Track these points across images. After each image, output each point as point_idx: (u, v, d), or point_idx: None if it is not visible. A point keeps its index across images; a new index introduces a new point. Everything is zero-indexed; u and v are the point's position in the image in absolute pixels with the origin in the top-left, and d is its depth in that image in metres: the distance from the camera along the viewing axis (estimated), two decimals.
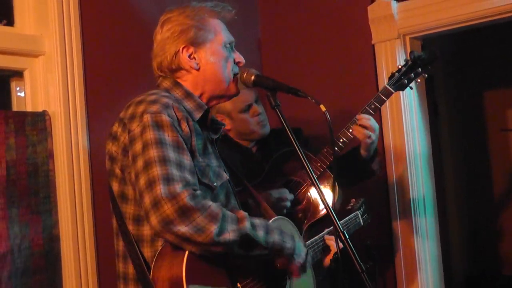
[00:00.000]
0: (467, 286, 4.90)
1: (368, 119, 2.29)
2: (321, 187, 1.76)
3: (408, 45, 3.07)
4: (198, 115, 1.77)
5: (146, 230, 1.67)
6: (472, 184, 5.14)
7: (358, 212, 2.34)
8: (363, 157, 2.39)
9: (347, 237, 1.64)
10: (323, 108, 1.69)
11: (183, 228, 1.49)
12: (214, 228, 1.50)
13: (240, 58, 1.88)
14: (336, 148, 2.28)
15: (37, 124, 2.28)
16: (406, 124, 3.05)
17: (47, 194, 2.29)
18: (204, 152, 1.75)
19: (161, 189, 1.51)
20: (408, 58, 2.39)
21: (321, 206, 2.31)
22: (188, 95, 1.79)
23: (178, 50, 1.79)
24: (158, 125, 1.60)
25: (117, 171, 1.70)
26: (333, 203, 2.17)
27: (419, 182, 3.08)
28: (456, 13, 2.89)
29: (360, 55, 3.19)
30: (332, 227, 2.03)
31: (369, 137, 2.29)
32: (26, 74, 2.39)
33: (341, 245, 1.67)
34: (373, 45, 3.13)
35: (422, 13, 2.98)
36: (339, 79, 3.25)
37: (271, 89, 1.80)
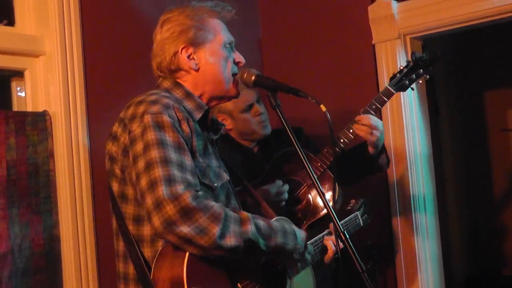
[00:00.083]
0: (467, 286, 4.90)
1: (368, 118, 2.29)
2: (321, 187, 1.75)
3: (409, 45, 3.07)
4: (198, 115, 1.76)
5: (146, 230, 1.67)
6: (472, 184, 5.14)
7: (357, 212, 2.34)
8: (371, 153, 2.39)
9: (348, 237, 1.64)
10: (323, 108, 1.69)
11: (185, 229, 1.48)
12: (216, 230, 1.50)
13: (240, 58, 1.87)
14: (336, 149, 2.29)
15: (38, 124, 2.28)
16: (406, 124, 3.05)
17: (47, 194, 2.29)
18: (205, 153, 1.74)
19: (163, 190, 1.50)
20: (410, 59, 2.40)
21: (321, 206, 2.31)
22: (188, 95, 1.79)
23: (177, 51, 1.78)
24: (159, 126, 1.60)
25: (117, 171, 1.70)
26: (333, 204, 2.17)
27: (420, 182, 3.08)
28: (457, 13, 2.89)
29: (360, 55, 3.19)
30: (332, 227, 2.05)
31: (372, 134, 2.29)
32: (27, 74, 2.39)
33: (341, 245, 1.67)
34: (374, 45, 3.13)
35: (423, 13, 2.98)
36: (339, 79, 3.25)
37: (271, 89, 1.80)
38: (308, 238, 2.01)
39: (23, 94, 2.41)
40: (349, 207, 2.36)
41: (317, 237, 2.04)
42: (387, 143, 3.04)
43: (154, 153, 1.56)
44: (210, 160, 1.76)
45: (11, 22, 2.38)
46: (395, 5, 3.04)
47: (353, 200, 2.40)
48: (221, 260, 1.60)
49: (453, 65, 4.95)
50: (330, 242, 2.01)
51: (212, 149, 1.82)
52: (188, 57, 1.79)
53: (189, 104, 1.77)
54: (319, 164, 2.29)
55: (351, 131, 2.31)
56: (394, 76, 2.39)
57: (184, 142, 1.63)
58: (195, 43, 1.79)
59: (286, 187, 2.30)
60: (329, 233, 2.06)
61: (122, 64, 2.62)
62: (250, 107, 2.49)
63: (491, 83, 5.04)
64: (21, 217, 2.18)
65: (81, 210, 2.38)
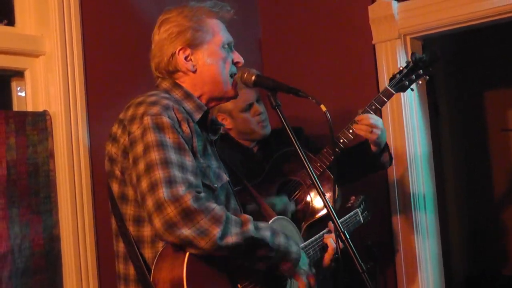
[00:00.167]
0: (467, 286, 4.90)
1: (367, 117, 2.29)
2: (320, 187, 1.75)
3: (409, 45, 3.08)
4: (198, 116, 1.76)
5: (147, 231, 1.66)
6: (472, 184, 5.14)
7: (358, 209, 2.34)
8: (373, 151, 2.39)
9: (348, 237, 1.64)
10: (323, 108, 1.69)
11: (186, 231, 1.48)
12: (217, 232, 1.50)
13: (239, 58, 1.86)
14: (336, 149, 2.29)
15: (38, 124, 2.28)
16: (406, 124, 3.05)
17: (47, 194, 2.29)
18: (204, 153, 1.74)
19: (163, 192, 1.50)
20: (410, 59, 2.40)
21: (320, 206, 2.31)
22: (187, 96, 1.78)
23: (175, 52, 1.78)
24: (158, 127, 1.60)
25: (117, 172, 1.70)
26: (333, 204, 2.17)
27: (420, 182, 3.08)
28: (457, 13, 2.89)
29: (360, 55, 3.19)
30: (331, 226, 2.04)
31: (372, 132, 2.29)
32: (27, 74, 2.39)
33: (341, 245, 1.67)
34: (374, 45, 3.13)
35: (423, 13, 2.98)
36: (339, 79, 3.25)
37: (271, 89, 1.79)
38: (307, 238, 2.01)
39: (23, 94, 2.41)
40: (349, 204, 2.36)
41: (317, 236, 2.04)
42: (388, 142, 3.05)
43: (154, 155, 1.56)
44: (209, 161, 1.76)
45: (11, 22, 2.38)
46: (395, 5, 3.04)
47: (353, 197, 2.40)
48: (221, 261, 1.60)
49: (453, 65, 4.94)
50: (330, 240, 2.01)
51: (211, 150, 1.82)
52: (186, 58, 1.78)
53: (188, 105, 1.76)
54: (318, 164, 2.29)
55: (350, 131, 2.31)
56: (393, 76, 2.40)
57: (185, 143, 1.62)
58: (193, 44, 1.78)
59: (292, 207, 2.30)
60: (329, 231, 2.06)
61: (122, 64, 2.62)
62: (249, 106, 2.49)
63: (491, 83, 5.04)
64: (21, 217, 2.18)
65: (81, 210, 2.38)
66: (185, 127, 1.66)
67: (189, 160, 1.60)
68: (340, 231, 1.64)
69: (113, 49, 2.61)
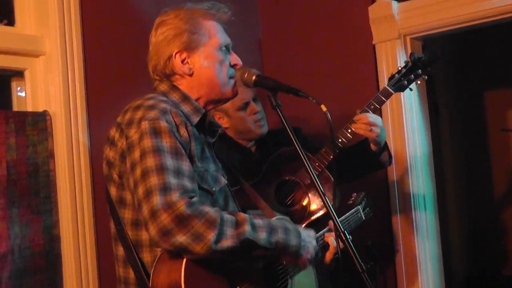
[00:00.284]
0: (467, 286, 4.90)
1: (366, 116, 2.29)
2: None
3: (409, 45, 3.08)
4: (196, 119, 1.75)
5: (145, 235, 1.65)
6: (472, 184, 5.14)
7: (359, 206, 2.33)
8: (373, 151, 2.39)
9: (348, 237, 1.64)
10: (324, 108, 1.68)
11: (181, 238, 1.48)
12: (212, 236, 1.49)
13: (236, 60, 1.85)
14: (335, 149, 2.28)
15: (38, 124, 2.28)
16: (406, 124, 3.05)
17: (47, 194, 2.29)
18: (202, 157, 1.74)
19: (158, 199, 1.50)
20: (408, 59, 2.40)
21: (319, 206, 2.30)
22: (185, 98, 1.77)
23: (172, 55, 1.77)
24: (156, 132, 1.59)
25: (115, 176, 1.69)
26: (332, 204, 2.16)
27: (420, 182, 3.08)
28: (457, 13, 2.89)
29: (360, 55, 3.19)
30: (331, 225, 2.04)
31: (371, 131, 2.29)
32: (27, 74, 2.39)
33: (341, 245, 1.67)
34: (374, 45, 3.13)
35: (423, 13, 2.98)
36: (339, 79, 3.25)
37: (272, 89, 1.78)
38: None
39: (23, 94, 2.41)
40: (351, 201, 2.36)
41: (317, 235, 2.04)
42: (387, 143, 3.05)
43: (150, 161, 1.55)
44: (207, 164, 1.75)
45: (11, 22, 2.38)
46: (395, 5, 3.04)
47: (355, 194, 2.40)
48: (219, 263, 1.59)
49: (453, 65, 4.95)
50: (331, 239, 2.00)
51: (209, 153, 1.81)
52: (182, 61, 1.77)
53: (186, 108, 1.76)
54: (317, 164, 2.29)
55: (349, 131, 2.31)
56: (392, 76, 2.40)
57: (182, 147, 1.61)
58: (189, 48, 1.77)
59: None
60: (329, 230, 2.06)
61: (122, 64, 2.62)
62: (246, 105, 2.48)
63: (491, 83, 5.04)
64: (21, 217, 2.18)
65: (81, 210, 2.38)
66: (183, 131, 1.65)
67: (186, 165, 1.59)
68: (340, 231, 1.64)
69: (113, 49, 2.61)
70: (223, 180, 1.80)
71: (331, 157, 2.28)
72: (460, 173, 5.08)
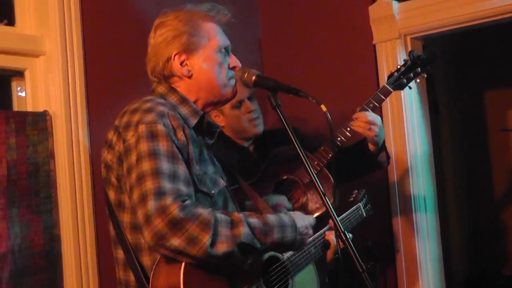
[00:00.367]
0: (467, 286, 4.90)
1: (365, 115, 2.28)
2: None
3: (409, 45, 3.07)
4: (194, 121, 1.75)
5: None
6: (472, 184, 5.14)
7: (360, 203, 2.33)
8: (371, 150, 2.38)
9: (348, 237, 1.64)
10: (324, 108, 1.68)
11: (176, 242, 1.47)
12: (207, 239, 1.48)
13: (235, 62, 1.84)
14: (334, 148, 2.28)
15: (38, 124, 2.28)
16: (406, 124, 3.05)
17: (47, 194, 2.29)
18: (200, 159, 1.73)
19: (151, 204, 1.49)
20: (408, 58, 2.40)
21: (318, 205, 2.30)
22: (183, 100, 1.77)
23: (170, 57, 1.76)
24: (152, 135, 1.58)
25: (113, 179, 1.69)
26: (332, 202, 2.16)
27: (420, 182, 3.08)
28: (457, 13, 2.89)
29: (361, 55, 3.19)
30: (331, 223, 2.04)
31: (370, 129, 2.28)
32: (27, 74, 2.39)
33: (341, 244, 1.67)
34: (374, 45, 3.13)
35: (423, 13, 2.98)
36: (340, 79, 3.25)
37: (272, 90, 1.78)
38: None
39: (23, 94, 2.41)
40: (352, 198, 2.36)
41: (318, 233, 2.04)
42: (387, 142, 3.04)
43: (146, 165, 1.55)
44: (206, 167, 1.74)
45: (11, 22, 2.38)
46: (395, 5, 3.04)
47: (355, 191, 2.39)
48: (219, 265, 1.58)
49: (453, 65, 4.95)
50: (332, 237, 2.00)
51: (207, 155, 1.80)
52: (181, 64, 1.77)
53: (184, 110, 1.75)
54: (315, 162, 2.28)
55: (348, 129, 2.31)
56: (391, 74, 2.40)
57: (178, 151, 1.61)
58: (188, 50, 1.76)
59: (289, 206, 2.29)
60: (330, 228, 2.05)
61: (122, 64, 2.62)
62: (240, 103, 2.47)
63: (491, 83, 5.04)
64: (21, 217, 2.18)
65: (81, 210, 2.38)
66: (180, 134, 1.64)
67: (182, 169, 1.58)
68: (340, 231, 1.63)
69: (113, 49, 2.61)
70: (222, 182, 1.79)
71: (330, 155, 2.27)
72: (460, 173, 5.08)
